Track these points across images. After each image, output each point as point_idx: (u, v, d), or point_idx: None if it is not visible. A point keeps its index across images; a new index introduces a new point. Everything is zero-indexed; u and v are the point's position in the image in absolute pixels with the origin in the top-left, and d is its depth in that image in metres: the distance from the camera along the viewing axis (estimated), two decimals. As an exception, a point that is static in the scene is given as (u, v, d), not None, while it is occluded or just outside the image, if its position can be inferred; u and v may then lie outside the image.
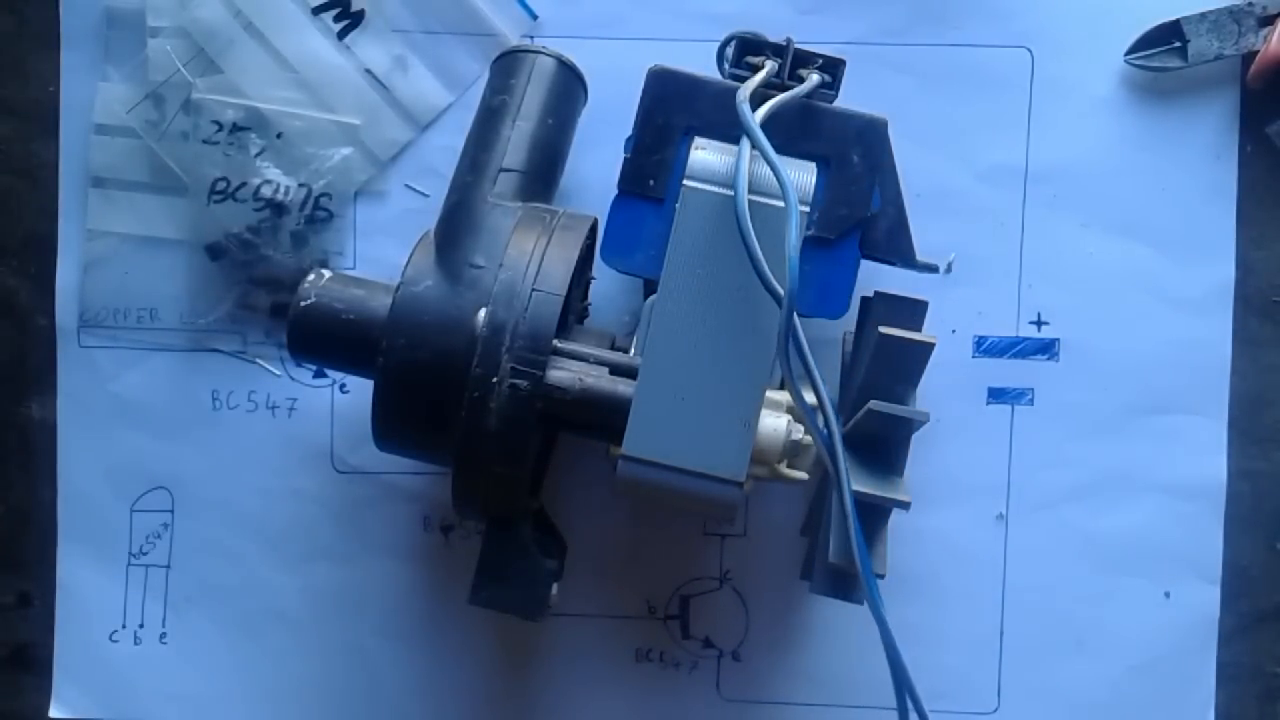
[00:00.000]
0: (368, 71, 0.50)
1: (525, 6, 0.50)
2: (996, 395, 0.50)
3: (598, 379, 0.41)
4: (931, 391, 0.44)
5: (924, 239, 0.45)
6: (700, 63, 0.46)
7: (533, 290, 0.40)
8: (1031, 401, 0.50)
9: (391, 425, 0.42)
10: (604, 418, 0.41)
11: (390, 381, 0.41)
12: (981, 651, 0.50)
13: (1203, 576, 0.50)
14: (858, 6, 0.50)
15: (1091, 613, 0.50)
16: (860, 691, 0.50)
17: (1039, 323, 0.50)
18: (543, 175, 0.45)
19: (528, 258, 0.41)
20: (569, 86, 0.47)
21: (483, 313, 0.40)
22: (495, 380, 0.40)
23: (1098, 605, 0.50)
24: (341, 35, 0.50)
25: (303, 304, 0.43)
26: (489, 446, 0.40)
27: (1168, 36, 0.49)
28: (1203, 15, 0.49)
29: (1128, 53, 0.49)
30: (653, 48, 0.50)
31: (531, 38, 0.50)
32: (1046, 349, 0.50)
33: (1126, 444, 0.50)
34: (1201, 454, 0.50)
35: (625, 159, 0.44)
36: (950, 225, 0.50)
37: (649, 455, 0.40)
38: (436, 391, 0.41)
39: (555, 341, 0.41)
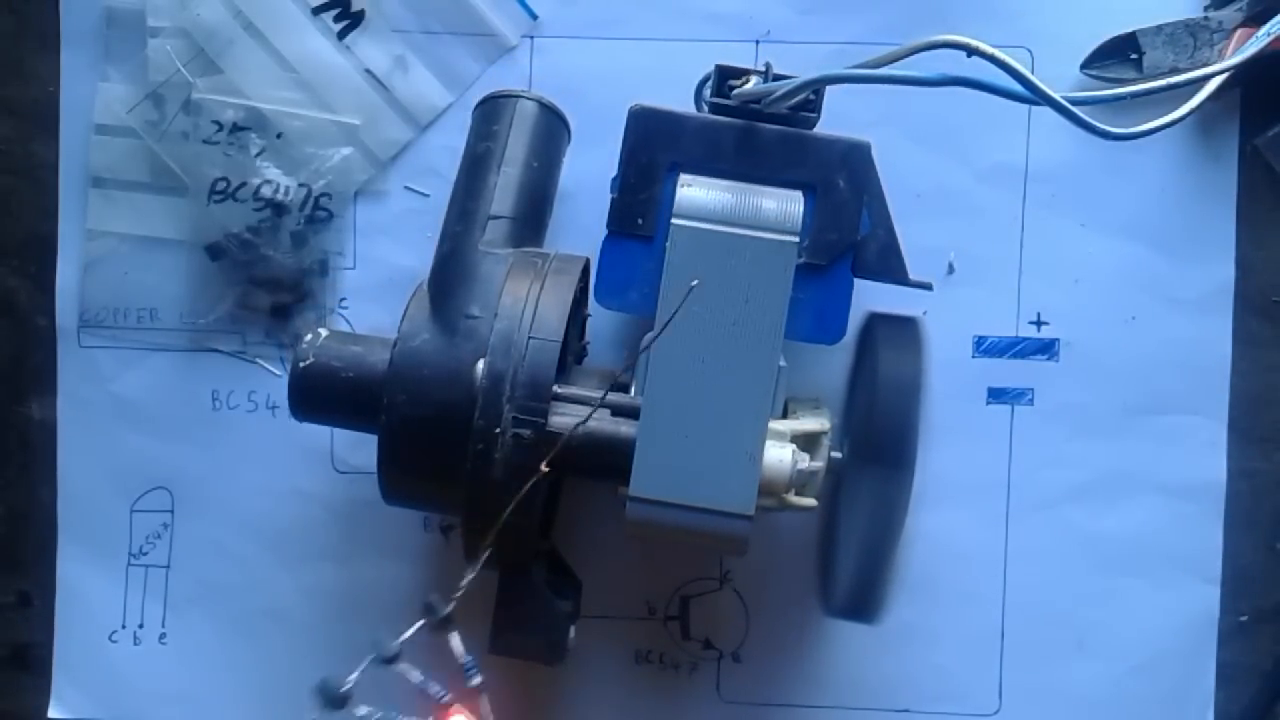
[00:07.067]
0: (368, 71, 0.50)
1: (525, 6, 0.50)
2: (996, 395, 0.50)
3: (600, 422, 0.41)
4: (932, 392, 0.44)
5: (924, 239, 0.45)
6: (700, 63, 0.46)
7: (529, 338, 0.40)
8: (1031, 401, 0.50)
9: (398, 480, 0.42)
10: (609, 460, 0.41)
11: (393, 438, 0.41)
12: (982, 652, 0.50)
13: (1203, 576, 0.50)
14: (857, 6, 0.50)
15: (1092, 613, 0.50)
16: (861, 693, 0.50)
17: (1039, 323, 0.50)
18: (531, 219, 0.45)
19: (522, 305, 0.41)
20: (552, 128, 0.47)
21: (481, 363, 0.40)
22: (498, 431, 0.39)
23: (1098, 605, 0.50)
24: (341, 35, 0.50)
25: (301, 365, 0.42)
26: (496, 497, 0.40)
27: (1124, 48, 0.48)
28: (1159, 28, 0.48)
29: (1084, 65, 0.48)
30: (653, 48, 0.50)
31: (531, 38, 0.50)
32: (1046, 349, 0.50)
33: (1126, 444, 0.50)
34: (1201, 454, 0.50)
35: (612, 199, 0.44)
36: (950, 225, 0.50)
37: (656, 495, 0.40)
38: (440, 445, 0.40)
39: (555, 387, 0.40)
